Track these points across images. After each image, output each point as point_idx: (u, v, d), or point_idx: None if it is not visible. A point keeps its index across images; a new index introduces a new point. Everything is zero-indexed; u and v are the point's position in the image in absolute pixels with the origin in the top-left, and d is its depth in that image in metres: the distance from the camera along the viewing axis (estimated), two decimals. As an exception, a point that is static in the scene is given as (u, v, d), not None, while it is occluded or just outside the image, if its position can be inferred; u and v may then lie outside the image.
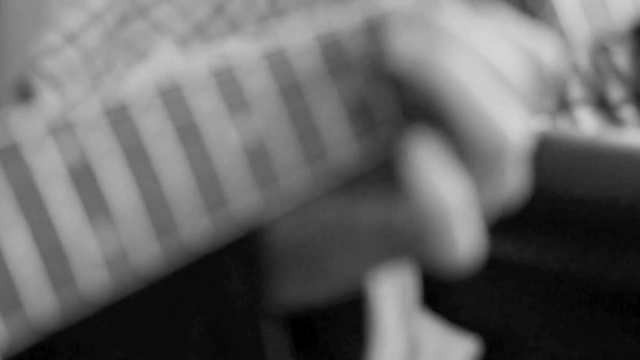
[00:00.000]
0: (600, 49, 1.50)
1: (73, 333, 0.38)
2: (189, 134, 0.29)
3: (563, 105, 1.42)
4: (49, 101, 0.29)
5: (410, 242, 0.36)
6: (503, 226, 1.34)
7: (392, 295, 1.44)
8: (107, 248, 0.27)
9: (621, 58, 1.51)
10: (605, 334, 1.36)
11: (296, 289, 0.41)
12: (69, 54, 1.22)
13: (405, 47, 0.33)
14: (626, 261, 1.27)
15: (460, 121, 0.34)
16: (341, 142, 0.32)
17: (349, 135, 0.32)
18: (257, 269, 0.40)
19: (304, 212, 0.39)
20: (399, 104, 0.34)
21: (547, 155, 1.29)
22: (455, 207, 0.34)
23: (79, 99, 0.27)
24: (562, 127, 1.41)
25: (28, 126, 0.26)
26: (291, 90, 0.31)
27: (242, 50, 0.30)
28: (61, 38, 1.23)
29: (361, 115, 0.33)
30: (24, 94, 0.40)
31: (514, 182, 0.35)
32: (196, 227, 0.29)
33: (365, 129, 0.33)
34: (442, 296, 1.47)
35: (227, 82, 0.29)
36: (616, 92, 1.49)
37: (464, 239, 0.34)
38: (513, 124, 0.35)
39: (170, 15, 1.36)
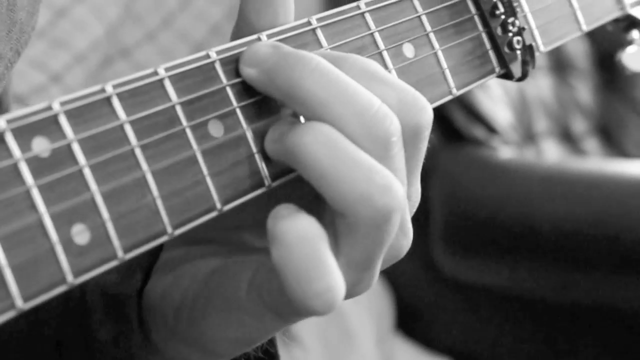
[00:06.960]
0: (564, 85, 1.55)
1: None
2: None
3: (529, 137, 1.46)
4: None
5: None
6: (474, 251, 1.36)
7: (369, 320, 1.46)
8: None
9: (584, 93, 1.56)
10: (574, 355, 1.36)
11: (174, 354, 0.39)
12: (53, 93, 1.25)
13: None
14: (597, 284, 1.27)
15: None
16: None
17: None
18: (127, 328, 0.39)
19: (180, 273, 0.38)
20: None
21: (516, 182, 1.31)
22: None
23: None
24: (528, 155, 1.42)
25: None
26: None
27: None
28: (46, 78, 1.27)
29: None
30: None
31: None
32: None
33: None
34: (415, 320, 1.48)
35: None
36: (579, 125, 1.53)
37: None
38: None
39: (152, 56, 1.40)
